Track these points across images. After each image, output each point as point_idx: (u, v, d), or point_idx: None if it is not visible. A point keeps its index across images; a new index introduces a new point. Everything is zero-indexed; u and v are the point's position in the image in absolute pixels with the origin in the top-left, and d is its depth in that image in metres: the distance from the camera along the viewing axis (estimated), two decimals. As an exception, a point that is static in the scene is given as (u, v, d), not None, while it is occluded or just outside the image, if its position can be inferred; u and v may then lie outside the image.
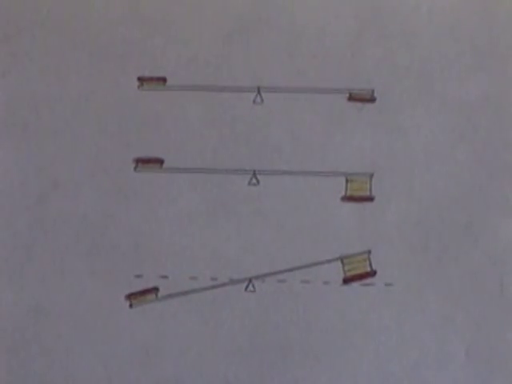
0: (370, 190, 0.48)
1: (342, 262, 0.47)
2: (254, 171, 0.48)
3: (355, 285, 0.46)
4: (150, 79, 0.49)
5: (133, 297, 0.46)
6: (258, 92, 0.49)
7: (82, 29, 0.50)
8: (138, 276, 0.46)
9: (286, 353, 0.45)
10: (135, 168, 0.48)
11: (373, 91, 0.49)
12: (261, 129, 0.49)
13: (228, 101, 0.49)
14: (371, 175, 0.48)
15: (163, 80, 0.49)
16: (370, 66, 0.50)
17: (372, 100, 0.49)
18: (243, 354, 0.45)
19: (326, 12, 0.51)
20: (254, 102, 0.49)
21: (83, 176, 0.47)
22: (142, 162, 0.48)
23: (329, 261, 0.47)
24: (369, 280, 0.46)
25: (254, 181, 0.48)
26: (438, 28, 0.50)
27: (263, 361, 0.45)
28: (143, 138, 0.48)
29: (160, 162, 0.48)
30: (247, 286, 0.46)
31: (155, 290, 0.46)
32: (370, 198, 0.48)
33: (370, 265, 0.47)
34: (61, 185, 0.47)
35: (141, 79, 0.49)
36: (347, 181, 0.48)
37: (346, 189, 0.48)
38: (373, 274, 0.47)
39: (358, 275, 0.46)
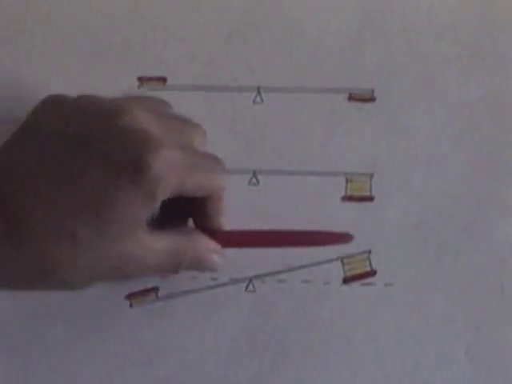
0: (370, 190, 0.48)
1: (342, 262, 0.47)
2: (254, 171, 0.48)
3: (355, 285, 0.46)
4: (150, 79, 0.49)
5: (133, 297, 0.46)
6: (258, 92, 0.49)
7: (82, 29, 0.50)
8: (138, 276, 0.46)
9: (286, 353, 0.45)
10: (135, 168, 0.48)
11: (373, 91, 0.49)
12: (261, 129, 0.49)
13: (228, 101, 0.49)
14: (371, 175, 0.48)
15: (163, 80, 0.49)
16: (370, 66, 0.50)
17: (372, 100, 0.49)
18: (243, 354, 0.45)
19: (326, 12, 0.51)
20: (254, 101, 0.49)
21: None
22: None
23: (329, 261, 0.47)
24: (369, 280, 0.46)
25: (254, 181, 0.48)
26: (438, 28, 0.50)
27: (263, 361, 0.45)
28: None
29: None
30: (247, 286, 0.46)
31: (155, 289, 0.46)
32: (370, 198, 0.48)
33: (370, 265, 0.47)
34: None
35: (141, 79, 0.49)
36: (347, 181, 0.48)
37: (346, 189, 0.48)
38: (373, 273, 0.47)
39: (358, 275, 0.46)
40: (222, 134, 0.47)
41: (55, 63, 0.49)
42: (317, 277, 0.46)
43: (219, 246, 0.43)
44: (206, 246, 0.42)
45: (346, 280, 0.46)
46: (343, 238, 0.45)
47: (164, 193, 0.38)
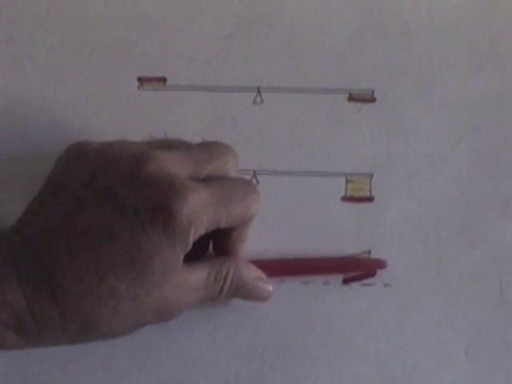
0: (370, 190, 0.48)
1: (342, 262, 0.47)
2: (254, 171, 0.48)
3: (355, 285, 0.46)
4: (150, 79, 0.49)
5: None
6: (258, 92, 0.49)
7: (82, 29, 0.50)
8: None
9: (286, 353, 0.45)
10: (135, 168, 0.48)
11: (373, 91, 0.49)
12: (261, 129, 0.49)
13: (228, 101, 0.49)
14: (371, 175, 0.48)
15: (163, 80, 0.49)
16: (369, 66, 0.50)
17: (372, 100, 0.49)
18: (243, 354, 0.45)
19: (326, 12, 0.50)
20: (254, 102, 0.49)
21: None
22: (142, 162, 0.48)
23: (329, 261, 0.47)
24: (369, 280, 0.46)
25: (254, 181, 0.48)
26: (438, 28, 0.50)
27: (263, 361, 0.45)
28: (143, 138, 0.47)
29: (160, 162, 0.48)
30: (247, 286, 0.46)
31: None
32: (370, 198, 0.48)
33: (370, 265, 0.47)
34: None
35: (141, 79, 0.49)
36: (347, 181, 0.48)
37: (346, 189, 0.48)
38: (373, 274, 0.47)
39: (358, 275, 0.46)
40: (222, 134, 0.47)
41: (55, 63, 0.49)
42: (317, 277, 0.46)
43: (260, 271, 0.44)
44: (248, 270, 0.43)
45: (346, 280, 0.46)
46: (379, 264, 0.46)
47: (196, 234, 0.38)
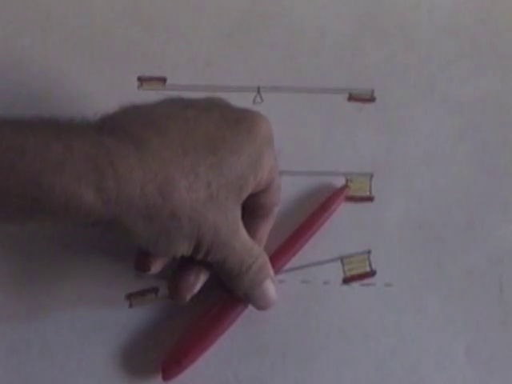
0: (370, 190, 0.48)
1: (342, 262, 0.47)
2: (254, 171, 0.48)
3: (355, 285, 0.46)
4: (150, 79, 0.49)
5: (133, 297, 0.46)
6: (258, 92, 0.49)
7: (82, 29, 0.50)
8: (138, 276, 0.46)
9: (286, 353, 0.45)
10: (135, 168, 0.48)
11: (373, 91, 0.49)
12: (261, 129, 0.49)
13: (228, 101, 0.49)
14: (371, 175, 0.48)
15: (163, 80, 0.49)
16: (370, 66, 0.50)
17: (372, 100, 0.49)
18: (243, 354, 0.45)
19: (326, 12, 0.51)
20: (254, 102, 0.49)
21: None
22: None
23: (329, 261, 0.47)
24: (369, 280, 0.46)
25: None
26: (438, 28, 0.50)
27: (263, 361, 0.45)
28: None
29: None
30: (247, 286, 0.46)
31: (155, 289, 0.46)
32: (370, 198, 0.48)
33: (370, 265, 0.47)
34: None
35: (141, 79, 0.49)
36: (347, 181, 0.48)
37: (346, 189, 0.48)
38: (373, 274, 0.47)
39: (358, 275, 0.47)
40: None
41: (55, 63, 0.49)
42: (317, 277, 0.46)
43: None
44: (269, 267, 0.44)
45: (346, 280, 0.46)
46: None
47: (268, 159, 0.41)
